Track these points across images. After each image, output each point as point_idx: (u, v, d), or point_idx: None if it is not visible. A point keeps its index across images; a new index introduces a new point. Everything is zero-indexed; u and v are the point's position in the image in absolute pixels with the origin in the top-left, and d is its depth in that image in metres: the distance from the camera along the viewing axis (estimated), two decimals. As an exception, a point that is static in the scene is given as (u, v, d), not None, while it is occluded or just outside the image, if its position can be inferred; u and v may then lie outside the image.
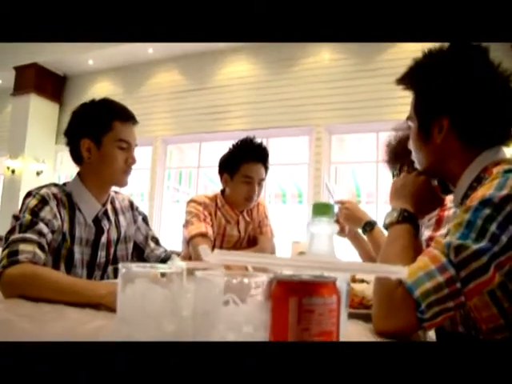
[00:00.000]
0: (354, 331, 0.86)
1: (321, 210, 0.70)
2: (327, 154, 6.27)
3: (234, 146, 2.12)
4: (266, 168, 2.10)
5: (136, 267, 0.51)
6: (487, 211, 0.81)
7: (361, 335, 0.83)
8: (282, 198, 7.06)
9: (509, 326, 0.90)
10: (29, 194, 1.33)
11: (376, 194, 6.05)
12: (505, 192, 0.82)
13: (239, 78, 6.81)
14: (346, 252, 2.19)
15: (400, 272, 0.48)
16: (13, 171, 7.77)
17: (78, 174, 1.47)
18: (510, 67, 0.98)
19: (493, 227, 0.80)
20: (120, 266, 0.50)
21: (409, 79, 1.06)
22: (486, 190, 0.84)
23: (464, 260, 0.78)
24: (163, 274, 0.51)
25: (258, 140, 2.14)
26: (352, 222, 1.81)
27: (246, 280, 0.44)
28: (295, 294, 0.44)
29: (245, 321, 0.43)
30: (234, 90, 6.82)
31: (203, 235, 1.94)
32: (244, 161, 2.04)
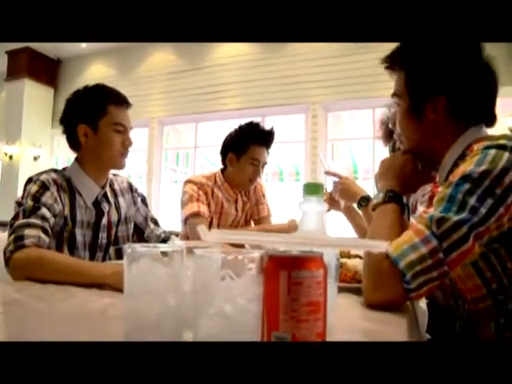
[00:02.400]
0: (345, 304, 0.91)
1: (311, 189, 0.74)
2: (324, 131, 6.28)
3: (241, 127, 2.16)
4: (268, 153, 2.18)
5: (140, 247, 0.56)
6: (467, 186, 0.86)
7: (351, 307, 0.89)
8: (279, 176, 7.09)
9: (491, 294, 0.95)
10: (29, 181, 1.37)
11: (373, 170, 6.08)
12: (483, 167, 0.86)
13: (234, 56, 6.76)
14: (340, 227, 2.25)
15: (379, 246, 0.53)
16: (10, 157, 7.77)
17: (76, 159, 1.51)
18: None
19: (472, 200, 0.84)
20: (126, 246, 0.55)
21: (399, 57, 1.07)
22: (466, 166, 0.89)
23: (446, 231, 0.83)
24: (165, 253, 0.56)
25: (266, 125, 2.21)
26: (347, 197, 1.83)
27: (240, 256, 0.49)
28: (285, 268, 0.49)
29: (239, 293, 0.47)
30: (229, 69, 6.78)
31: (196, 214, 2.00)
32: (253, 143, 2.10)
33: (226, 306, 0.47)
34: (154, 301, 0.53)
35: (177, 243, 1.65)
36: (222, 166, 2.22)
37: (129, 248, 0.53)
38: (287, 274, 0.49)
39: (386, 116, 1.83)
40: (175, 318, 0.53)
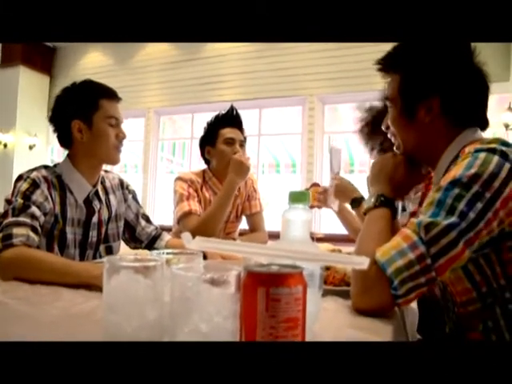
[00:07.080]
0: (331, 308, 0.91)
1: (296, 197, 0.74)
2: (320, 123, 6.26)
3: (207, 122, 2.21)
4: (243, 132, 2.19)
5: (120, 260, 0.55)
6: (456, 190, 0.86)
7: (337, 312, 0.89)
8: (276, 167, 7.07)
9: (480, 298, 0.95)
10: (20, 178, 1.36)
11: (369, 163, 6.08)
12: (473, 171, 0.86)
13: (231, 47, 6.69)
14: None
15: (362, 263, 0.53)
16: (5, 145, 7.70)
17: (68, 155, 1.50)
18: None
19: (461, 205, 0.84)
20: (105, 260, 0.54)
21: (393, 61, 1.08)
22: (456, 170, 0.89)
23: (434, 237, 0.83)
24: (145, 266, 0.55)
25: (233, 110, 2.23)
26: (342, 197, 1.90)
27: (216, 275, 0.48)
28: (263, 285, 0.49)
29: (216, 311, 0.47)
30: (226, 60, 6.72)
31: (188, 214, 2.00)
32: (220, 127, 2.14)
33: (201, 323, 0.47)
34: (132, 313, 0.52)
35: (163, 243, 1.65)
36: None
37: (108, 262, 0.53)
38: (265, 290, 0.48)
39: (371, 115, 1.85)
40: (153, 331, 0.53)
